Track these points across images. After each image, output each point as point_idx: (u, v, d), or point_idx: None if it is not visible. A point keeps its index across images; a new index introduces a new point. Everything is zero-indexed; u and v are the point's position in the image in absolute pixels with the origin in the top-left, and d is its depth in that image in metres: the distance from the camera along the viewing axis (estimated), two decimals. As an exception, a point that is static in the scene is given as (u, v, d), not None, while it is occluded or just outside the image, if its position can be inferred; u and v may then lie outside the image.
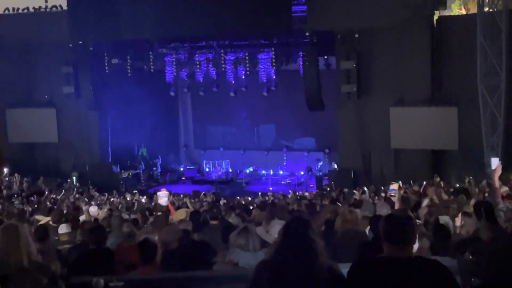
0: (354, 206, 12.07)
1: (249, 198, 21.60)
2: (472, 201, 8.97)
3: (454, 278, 3.72)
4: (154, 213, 12.32)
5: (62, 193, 22.26)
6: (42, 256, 4.38)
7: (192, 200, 18.18)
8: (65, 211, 13.30)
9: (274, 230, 6.10)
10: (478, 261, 4.30)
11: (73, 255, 7.03)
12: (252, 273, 4.05)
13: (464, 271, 4.37)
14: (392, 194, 10.52)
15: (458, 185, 15.75)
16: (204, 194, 21.62)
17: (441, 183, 16.40)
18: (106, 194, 22.68)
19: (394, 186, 11.25)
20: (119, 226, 9.04)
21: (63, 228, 8.55)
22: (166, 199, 10.91)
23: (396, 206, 9.26)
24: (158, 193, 13.05)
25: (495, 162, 7.38)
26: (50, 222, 10.01)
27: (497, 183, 7.57)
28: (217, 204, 16.60)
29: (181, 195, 21.13)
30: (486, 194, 11.07)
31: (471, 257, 4.43)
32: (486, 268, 3.93)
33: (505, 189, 12.01)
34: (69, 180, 27.21)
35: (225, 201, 18.96)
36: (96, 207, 13.71)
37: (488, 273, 3.95)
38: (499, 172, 7.45)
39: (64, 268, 5.44)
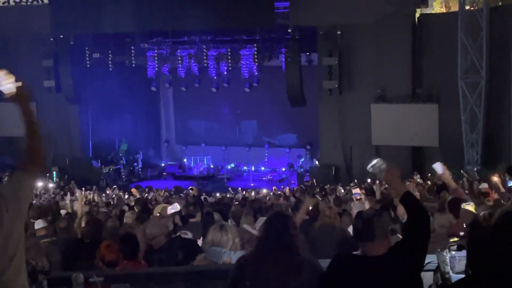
0: (335, 203, 12.15)
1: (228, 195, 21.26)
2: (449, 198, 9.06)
3: (419, 275, 3.75)
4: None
5: (41, 188, 21.98)
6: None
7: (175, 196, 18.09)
8: (45, 207, 13.20)
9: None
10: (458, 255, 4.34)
11: (61, 248, 7.05)
12: (233, 268, 4.06)
13: (443, 266, 4.41)
14: (358, 198, 10.52)
15: (438, 182, 15.88)
16: (191, 188, 21.13)
17: (420, 180, 16.49)
18: (83, 188, 22.44)
19: (357, 190, 11.24)
20: (105, 221, 9.02)
21: (39, 223, 8.48)
22: (173, 211, 9.85)
23: (367, 205, 9.27)
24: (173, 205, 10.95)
25: (439, 167, 7.43)
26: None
27: (452, 183, 7.71)
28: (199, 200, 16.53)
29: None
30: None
31: (451, 252, 4.47)
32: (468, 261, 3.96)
33: (484, 186, 12.13)
34: (48, 175, 26.91)
35: (205, 196, 18.87)
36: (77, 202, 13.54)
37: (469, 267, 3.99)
38: (447, 173, 7.57)
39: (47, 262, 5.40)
